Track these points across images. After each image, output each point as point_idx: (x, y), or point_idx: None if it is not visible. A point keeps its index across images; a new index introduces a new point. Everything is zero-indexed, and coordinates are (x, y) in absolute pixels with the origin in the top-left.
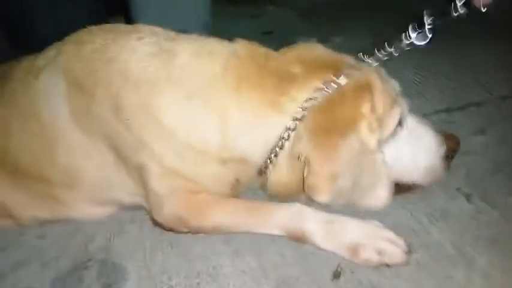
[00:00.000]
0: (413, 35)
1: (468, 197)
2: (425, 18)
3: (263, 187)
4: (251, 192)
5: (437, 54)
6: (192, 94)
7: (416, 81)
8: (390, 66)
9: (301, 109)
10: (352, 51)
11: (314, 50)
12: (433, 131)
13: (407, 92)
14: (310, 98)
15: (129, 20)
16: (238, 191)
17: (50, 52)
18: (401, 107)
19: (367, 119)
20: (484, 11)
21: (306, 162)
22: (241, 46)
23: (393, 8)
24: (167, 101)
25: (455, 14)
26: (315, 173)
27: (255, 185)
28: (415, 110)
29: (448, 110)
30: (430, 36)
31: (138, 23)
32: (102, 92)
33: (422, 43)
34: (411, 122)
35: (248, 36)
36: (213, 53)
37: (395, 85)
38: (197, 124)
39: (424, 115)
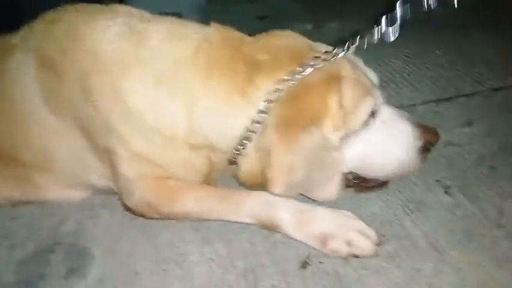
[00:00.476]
0: (384, 27)
1: (447, 189)
2: (397, 10)
3: (235, 176)
4: (227, 180)
5: (432, 43)
6: (161, 78)
7: (407, 70)
8: (381, 54)
9: (266, 102)
10: (346, 37)
11: (287, 38)
12: (409, 123)
13: (397, 80)
14: (275, 90)
15: (121, 2)
16: (211, 179)
17: (25, 30)
18: (375, 98)
19: (332, 116)
20: (455, 5)
21: (268, 154)
22: (215, 30)
23: None
24: (135, 84)
25: (426, 6)
26: (274, 165)
27: (229, 175)
28: (402, 100)
29: (437, 101)
30: (397, 31)
31: (130, 5)
32: (71, 73)
33: (392, 38)
34: (386, 113)
35: (242, 20)
36: (185, 36)
37: (373, 76)
38: (165, 109)
39: (411, 105)
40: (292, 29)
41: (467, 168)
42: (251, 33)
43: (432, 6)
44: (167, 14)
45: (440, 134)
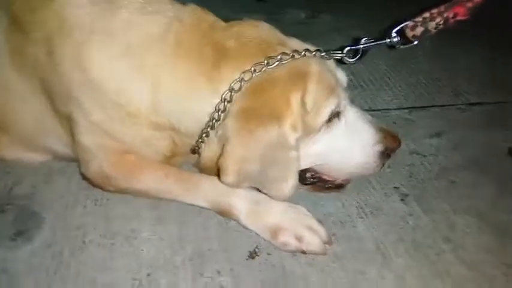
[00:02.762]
0: (346, 49)
1: (404, 197)
2: (362, 40)
3: (196, 164)
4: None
5: (419, 50)
6: (127, 51)
7: (389, 73)
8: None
9: (229, 91)
10: (339, 30)
11: (259, 29)
12: (372, 127)
13: (376, 82)
14: (239, 80)
15: None
16: (174, 163)
17: None
18: (340, 99)
19: (293, 113)
20: (415, 43)
21: (225, 143)
22: (190, 11)
23: None
24: (99, 54)
25: (387, 41)
26: (227, 154)
27: (191, 163)
28: (378, 103)
29: (410, 108)
30: (359, 55)
31: None
32: (38, 33)
33: (351, 61)
34: (351, 115)
35: (241, 1)
36: (158, 12)
37: (342, 77)
38: (128, 83)
39: (385, 109)
40: (286, 16)
41: (427, 179)
42: (246, 15)
43: (395, 46)
44: None
45: (402, 142)
